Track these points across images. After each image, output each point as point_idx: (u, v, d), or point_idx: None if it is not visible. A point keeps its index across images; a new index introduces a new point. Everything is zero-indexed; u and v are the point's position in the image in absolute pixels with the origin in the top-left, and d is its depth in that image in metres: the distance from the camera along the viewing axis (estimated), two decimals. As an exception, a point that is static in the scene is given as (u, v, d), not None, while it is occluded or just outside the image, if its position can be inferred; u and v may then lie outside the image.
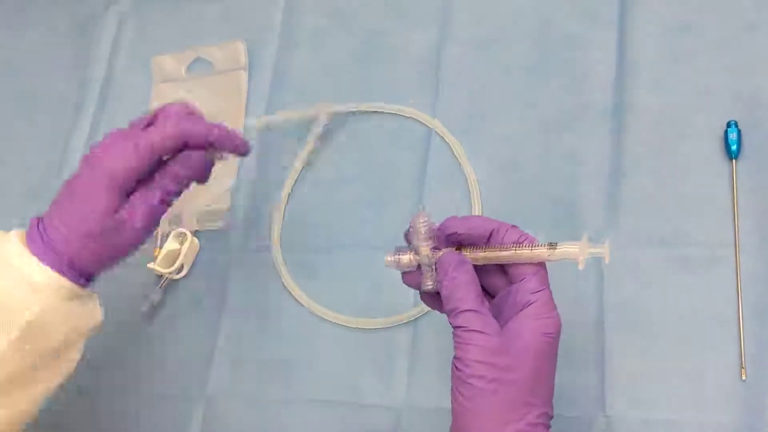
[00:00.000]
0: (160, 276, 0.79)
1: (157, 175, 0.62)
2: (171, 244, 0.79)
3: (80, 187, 0.60)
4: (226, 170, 0.82)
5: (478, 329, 0.54)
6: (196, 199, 0.82)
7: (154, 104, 0.88)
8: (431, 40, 0.81)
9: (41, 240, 0.59)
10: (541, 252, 0.56)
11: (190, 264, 0.81)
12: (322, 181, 0.80)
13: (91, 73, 0.92)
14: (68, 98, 0.92)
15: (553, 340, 0.55)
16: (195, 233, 0.81)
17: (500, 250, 0.57)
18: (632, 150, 0.72)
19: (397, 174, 0.78)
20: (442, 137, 0.77)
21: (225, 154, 0.65)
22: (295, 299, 0.76)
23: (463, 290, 0.55)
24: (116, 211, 0.60)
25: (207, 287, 0.80)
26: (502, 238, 0.57)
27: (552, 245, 0.56)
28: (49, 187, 0.88)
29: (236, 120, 0.84)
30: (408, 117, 0.79)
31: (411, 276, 0.60)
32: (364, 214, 0.77)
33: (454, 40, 0.80)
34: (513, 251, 0.56)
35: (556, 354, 0.56)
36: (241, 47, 0.86)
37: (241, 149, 0.65)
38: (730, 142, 0.68)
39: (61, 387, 0.62)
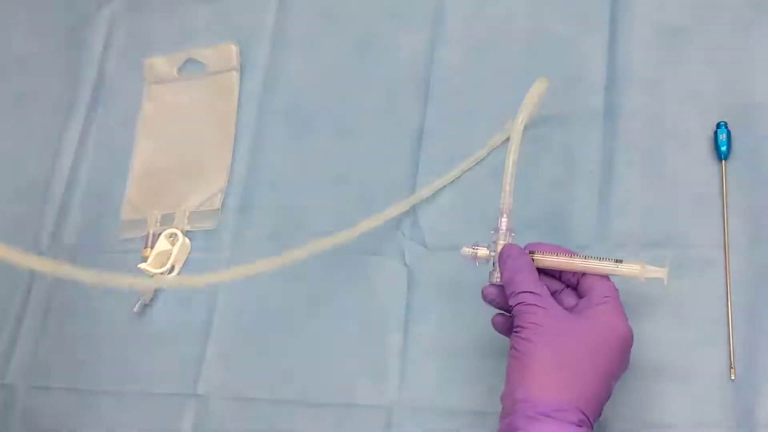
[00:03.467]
0: (151, 277, 0.79)
1: None
2: (162, 245, 0.79)
3: None
4: (217, 171, 0.82)
5: (536, 303, 0.58)
6: (188, 200, 0.82)
7: (147, 105, 0.88)
8: (424, 42, 0.81)
9: None
10: (608, 264, 0.61)
11: (182, 264, 0.80)
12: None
13: (83, 74, 0.92)
14: (60, 99, 0.92)
15: (623, 341, 0.58)
16: (186, 233, 0.81)
17: (571, 258, 0.62)
18: (623, 152, 0.72)
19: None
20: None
21: None
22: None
23: (523, 274, 0.60)
24: None
25: (198, 288, 0.80)
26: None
27: (618, 261, 0.61)
28: (40, 188, 0.88)
29: (227, 121, 0.84)
30: None
31: (501, 321, 0.64)
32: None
33: (447, 43, 0.81)
34: (584, 259, 0.62)
35: (619, 362, 0.59)
36: (233, 49, 0.86)
37: None
38: (719, 143, 0.68)
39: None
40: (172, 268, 0.79)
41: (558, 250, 0.63)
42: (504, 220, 0.65)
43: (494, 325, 0.64)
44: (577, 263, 0.62)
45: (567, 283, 0.63)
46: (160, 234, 0.80)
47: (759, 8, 0.72)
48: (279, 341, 0.75)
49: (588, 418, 0.56)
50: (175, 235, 0.79)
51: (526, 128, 0.75)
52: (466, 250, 0.64)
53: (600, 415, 0.58)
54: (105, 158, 0.88)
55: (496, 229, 0.65)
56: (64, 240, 0.86)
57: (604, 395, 0.58)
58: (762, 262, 0.65)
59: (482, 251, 0.64)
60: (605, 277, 0.61)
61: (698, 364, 0.64)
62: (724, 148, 0.68)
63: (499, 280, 0.63)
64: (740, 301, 0.65)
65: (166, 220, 0.82)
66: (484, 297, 0.64)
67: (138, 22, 0.93)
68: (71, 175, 0.88)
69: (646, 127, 0.72)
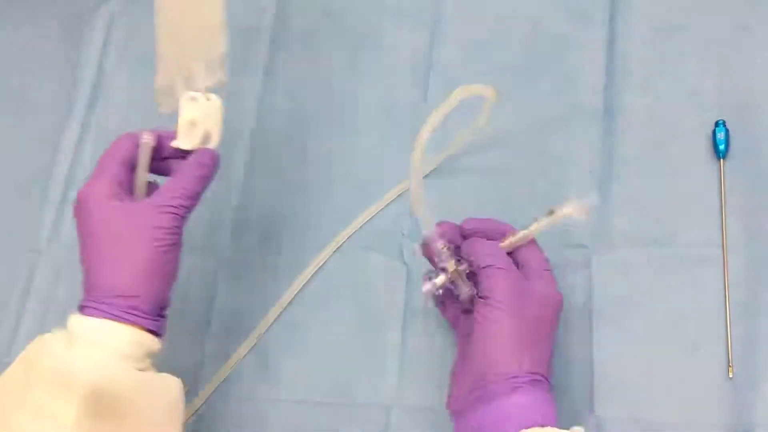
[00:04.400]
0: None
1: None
2: (189, 111, 0.66)
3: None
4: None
5: (504, 267, 0.60)
6: (209, 48, 0.67)
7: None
8: (422, 40, 0.81)
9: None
10: (553, 218, 0.62)
11: (219, 130, 0.67)
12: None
13: (81, 73, 0.92)
14: (58, 98, 0.92)
15: (558, 309, 0.62)
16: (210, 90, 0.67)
17: (519, 232, 0.63)
18: (622, 151, 0.72)
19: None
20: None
21: None
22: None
23: (491, 249, 0.62)
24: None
25: (195, 289, 0.79)
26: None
27: (551, 211, 0.63)
28: (38, 186, 0.88)
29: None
30: None
31: (449, 310, 0.66)
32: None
33: (445, 41, 0.81)
34: (532, 228, 0.63)
35: (557, 326, 0.62)
36: None
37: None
38: (717, 141, 0.69)
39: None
40: (209, 135, 0.67)
41: (492, 224, 0.64)
42: (440, 243, 0.63)
43: (427, 293, 0.64)
44: (526, 232, 0.63)
45: None
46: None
47: (757, 7, 0.73)
48: (277, 340, 0.75)
49: (549, 382, 0.59)
50: (199, 96, 0.66)
51: (525, 128, 0.75)
52: (427, 288, 0.63)
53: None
54: (104, 156, 0.88)
55: (438, 252, 0.62)
56: (63, 238, 0.86)
57: (551, 358, 0.61)
58: (759, 260, 0.66)
59: (439, 280, 0.63)
60: (537, 248, 0.63)
61: (696, 362, 0.64)
62: (722, 147, 0.68)
63: (468, 291, 0.62)
64: (738, 300, 0.65)
65: (185, 81, 0.68)
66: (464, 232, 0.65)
67: (136, 20, 0.93)
68: (69, 173, 0.88)
69: (644, 126, 0.72)
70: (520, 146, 0.75)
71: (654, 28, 0.75)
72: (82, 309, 0.60)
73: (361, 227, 0.76)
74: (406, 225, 0.75)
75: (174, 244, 0.61)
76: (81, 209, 0.62)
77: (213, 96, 0.66)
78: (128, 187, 0.64)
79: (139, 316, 0.59)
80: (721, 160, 0.68)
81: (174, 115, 0.67)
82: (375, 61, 0.82)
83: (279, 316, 0.76)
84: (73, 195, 0.87)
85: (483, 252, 0.61)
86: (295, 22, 0.86)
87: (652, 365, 0.65)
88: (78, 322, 0.59)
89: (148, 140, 0.66)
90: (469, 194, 0.75)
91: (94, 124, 0.89)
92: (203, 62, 0.67)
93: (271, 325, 0.76)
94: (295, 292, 0.76)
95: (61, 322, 0.79)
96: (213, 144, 0.66)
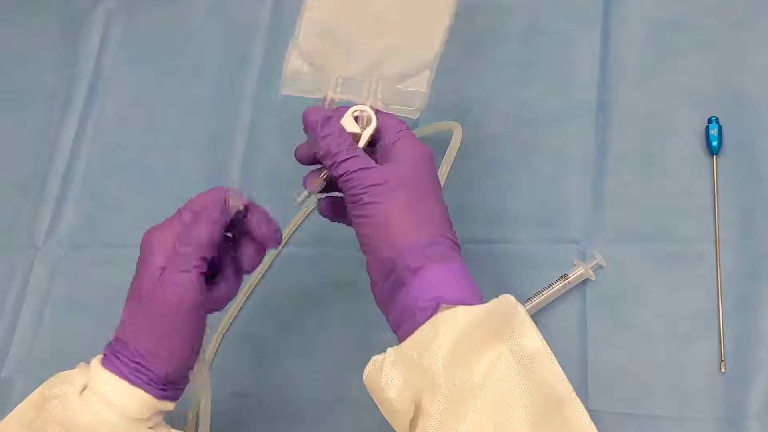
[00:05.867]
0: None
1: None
2: (349, 124, 0.60)
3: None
4: (431, 32, 0.62)
5: (362, 167, 0.57)
6: (392, 68, 0.61)
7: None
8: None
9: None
10: (568, 282, 0.68)
11: None
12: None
13: (80, 69, 0.92)
14: (57, 94, 0.92)
15: (429, 159, 0.59)
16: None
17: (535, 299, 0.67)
18: (616, 147, 0.72)
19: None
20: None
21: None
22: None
23: (336, 141, 0.58)
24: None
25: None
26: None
27: (565, 276, 0.68)
28: (36, 183, 0.88)
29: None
30: None
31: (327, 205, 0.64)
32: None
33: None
34: (547, 293, 0.68)
35: (436, 178, 0.59)
36: None
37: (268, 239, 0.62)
38: (710, 138, 0.69)
39: None
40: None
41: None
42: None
43: (322, 211, 0.64)
44: (542, 300, 0.66)
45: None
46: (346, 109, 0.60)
47: (750, 4, 0.73)
48: (275, 340, 0.76)
49: (456, 241, 0.58)
50: (367, 114, 0.60)
51: (520, 123, 0.75)
52: (304, 194, 0.62)
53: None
54: (101, 154, 0.89)
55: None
56: (60, 236, 0.86)
57: (447, 212, 0.59)
58: (752, 255, 0.66)
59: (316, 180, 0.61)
60: (388, 114, 0.60)
61: (689, 357, 0.65)
62: (715, 143, 0.69)
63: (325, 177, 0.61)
64: (731, 295, 0.65)
65: (349, 88, 0.61)
66: (299, 160, 0.63)
67: (134, 17, 0.93)
68: (67, 170, 0.88)
69: (638, 122, 0.72)
70: (515, 141, 0.75)
71: (648, 25, 0.75)
72: (105, 358, 0.59)
73: None
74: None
75: (192, 308, 0.57)
76: (140, 256, 0.60)
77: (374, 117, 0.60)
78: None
79: (145, 382, 0.57)
80: (714, 156, 0.69)
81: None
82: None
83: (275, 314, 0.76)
84: (71, 192, 0.87)
85: (326, 144, 0.58)
86: (292, 18, 0.86)
87: (646, 360, 0.65)
88: (95, 372, 0.58)
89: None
90: (465, 188, 0.75)
91: (92, 122, 0.90)
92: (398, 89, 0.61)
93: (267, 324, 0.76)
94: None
95: (57, 324, 0.80)
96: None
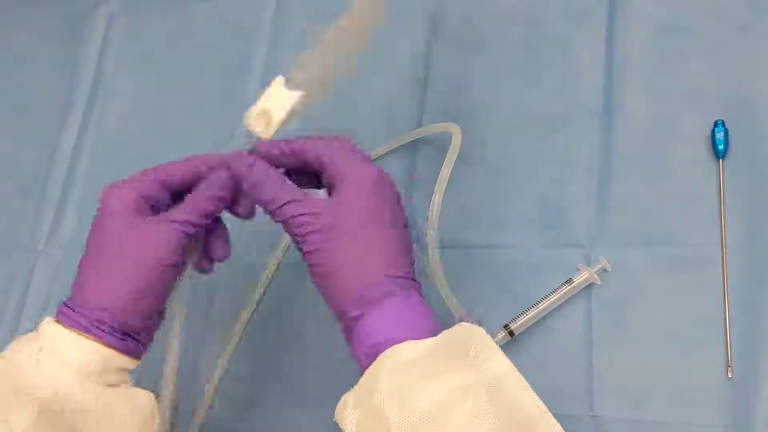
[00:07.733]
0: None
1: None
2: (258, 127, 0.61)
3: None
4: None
5: (307, 212, 0.56)
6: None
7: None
8: (421, 40, 0.81)
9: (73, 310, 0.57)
10: (573, 287, 0.67)
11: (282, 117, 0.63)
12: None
13: (81, 73, 0.92)
14: (58, 97, 0.92)
15: (380, 182, 0.57)
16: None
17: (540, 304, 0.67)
18: (621, 151, 0.72)
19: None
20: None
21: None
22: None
23: (273, 184, 0.58)
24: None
25: (193, 297, 0.79)
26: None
27: (570, 280, 0.68)
28: (37, 185, 0.88)
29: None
30: None
31: None
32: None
33: (444, 41, 0.81)
34: (552, 298, 0.67)
35: (390, 199, 0.58)
36: None
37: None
38: (717, 141, 0.68)
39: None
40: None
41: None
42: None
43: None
44: (548, 305, 0.66)
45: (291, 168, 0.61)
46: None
47: (756, 7, 0.72)
48: (276, 342, 0.75)
49: (409, 269, 0.57)
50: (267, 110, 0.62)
51: (524, 126, 0.75)
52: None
53: None
54: (102, 156, 0.88)
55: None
56: (61, 238, 0.86)
57: (402, 236, 0.57)
58: (759, 260, 0.65)
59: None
60: (325, 141, 0.60)
61: (695, 362, 0.64)
62: (721, 147, 0.68)
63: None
64: (737, 300, 0.65)
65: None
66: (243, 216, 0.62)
67: (135, 20, 0.93)
68: (69, 172, 0.88)
69: (644, 125, 0.72)
70: (520, 145, 0.75)
71: (653, 28, 0.74)
72: (59, 313, 0.58)
73: None
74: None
75: (168, 265, 0.58)
76: (99, 212, 0.61)
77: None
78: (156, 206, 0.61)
79: (106, 332, 0.56)
80: (721, 159, 0.68)
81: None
82: (373, 59, 0.82)
83: (276, 316, 0.76)
84: (72, 195, 0.87)
85: (262, 184, 0.58)
86: (294, 22, 0.86)
87: (652, 365, 0.65)
88: (49, 330, 0.57)
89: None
90: (469, 192, 0.75)
91: (93, 124, 0.90)
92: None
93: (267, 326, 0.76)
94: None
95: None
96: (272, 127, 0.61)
